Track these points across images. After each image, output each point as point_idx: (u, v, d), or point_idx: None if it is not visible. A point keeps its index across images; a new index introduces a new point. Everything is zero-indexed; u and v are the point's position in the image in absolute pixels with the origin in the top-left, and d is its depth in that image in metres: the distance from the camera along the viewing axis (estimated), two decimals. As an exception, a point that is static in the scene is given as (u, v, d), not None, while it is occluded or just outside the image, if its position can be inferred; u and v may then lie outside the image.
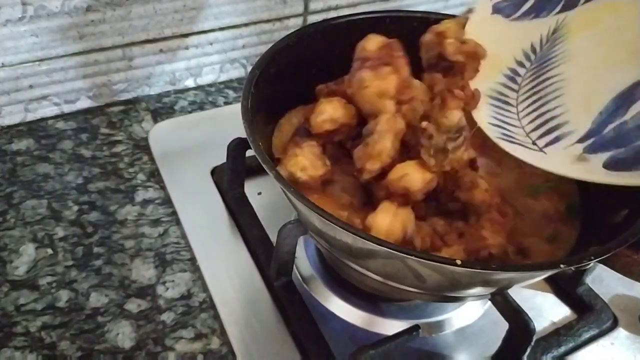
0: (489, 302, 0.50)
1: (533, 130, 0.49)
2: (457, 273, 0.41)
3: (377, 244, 0.40)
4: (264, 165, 0.44)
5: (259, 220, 0.63)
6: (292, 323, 0.55)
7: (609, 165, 0.44)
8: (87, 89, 0.76)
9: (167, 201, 0.66)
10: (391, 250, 0.39)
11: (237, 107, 0.49)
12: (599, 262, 0.46)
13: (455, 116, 0.47)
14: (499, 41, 0.54)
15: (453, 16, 0.62)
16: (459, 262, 0.38)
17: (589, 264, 0.41)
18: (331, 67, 0.61)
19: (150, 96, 0.81)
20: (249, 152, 0.59)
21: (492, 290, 0.47)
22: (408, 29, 0.62)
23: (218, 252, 0.61)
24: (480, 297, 0.51)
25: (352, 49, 0.62)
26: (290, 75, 0.57)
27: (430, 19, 0.62)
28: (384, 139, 0.47)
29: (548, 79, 0.51)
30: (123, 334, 0.54)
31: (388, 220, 0.45)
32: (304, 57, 0.58)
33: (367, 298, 0.57)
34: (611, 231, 0.46)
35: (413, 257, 0.39)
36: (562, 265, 0.40)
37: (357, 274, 0.50)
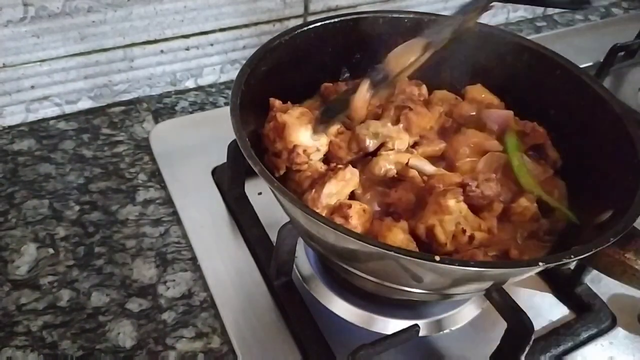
0: (488, 302, 0.50)
1: None
2: (440, 269, 0.41)
3: (364, 242, 0.40)
4: (248, 161, 0.44)
5: (259, 220, 0.64)
6: (292, 322, 0.55)
7: None
8: (88, 90, 0.77)
9: (168, 201, 0.67)
10: (378, 249, 0.39)
11: (237, 108, 0.49)
12: (582, 261, 0.46)
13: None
14: None
15: (448, 16, 0.63)
16: (437, 258, 0.39)
17: (569, 262, 0.41)
18: (323, 66, 0.62)
19: (151, 97, 0.82)
20: (249, 152, 0.59)
21: (486, 286, 0.47)
22: (401, 30, 0.62)
23: (218, 251, 0.61)
24: (474, 293, 0.52)
25: (344, 48, 0.62)
26: (282, 73, 0.57)
27: (422, 20, 0.62)
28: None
29: None
30: (124, 333, 0.54)
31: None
32: (296, 56, 0.59)
33: (366, 297, 0.57)
34: (595, 231, 0.46)
35: (400, 255, 0.39)
36: (540, 264, 0.40)
37: (355, 275, 0.50)
